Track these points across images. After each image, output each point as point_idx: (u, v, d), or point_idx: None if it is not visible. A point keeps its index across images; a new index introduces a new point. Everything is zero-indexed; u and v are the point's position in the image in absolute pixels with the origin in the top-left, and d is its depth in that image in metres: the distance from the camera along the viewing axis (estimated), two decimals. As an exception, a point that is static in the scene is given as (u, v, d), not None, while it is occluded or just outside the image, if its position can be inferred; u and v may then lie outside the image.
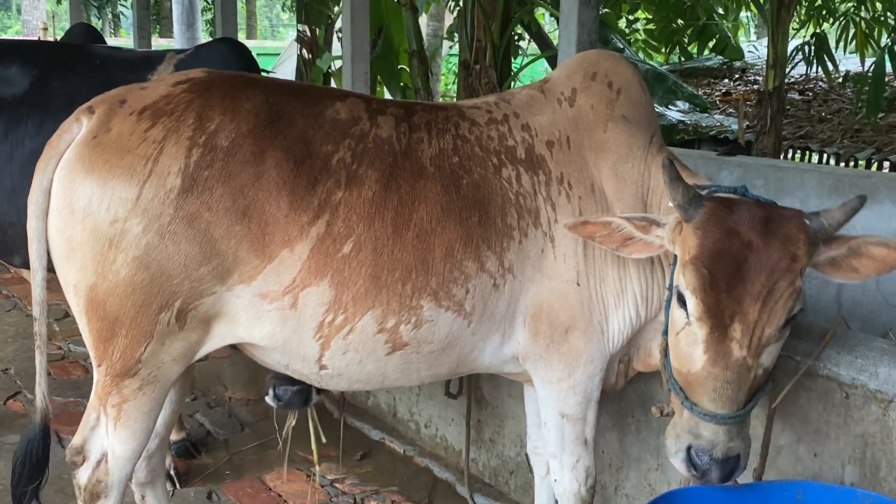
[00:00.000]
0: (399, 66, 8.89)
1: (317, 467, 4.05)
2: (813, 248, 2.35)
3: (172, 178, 2.50)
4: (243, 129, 2.57)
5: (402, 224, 2.62)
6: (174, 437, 4.34)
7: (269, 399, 3.48)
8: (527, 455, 3.73)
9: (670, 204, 2.48)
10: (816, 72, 9.05)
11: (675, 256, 2.50)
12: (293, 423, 3.80)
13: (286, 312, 2.61)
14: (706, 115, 8.14)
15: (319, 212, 2.57)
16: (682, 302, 2.39)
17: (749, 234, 2.33)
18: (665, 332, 2.57)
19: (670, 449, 2.44)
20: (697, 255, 2.34)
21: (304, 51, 8.82)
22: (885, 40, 8.98)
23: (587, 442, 2.90)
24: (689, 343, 2.39)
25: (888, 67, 6.95)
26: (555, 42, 10.49)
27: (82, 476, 2.81)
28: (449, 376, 2.99)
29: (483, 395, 4.06)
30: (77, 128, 2.64)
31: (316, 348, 2.67)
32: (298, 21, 8.75)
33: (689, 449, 2.37)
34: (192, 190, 2.50)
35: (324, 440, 3.90)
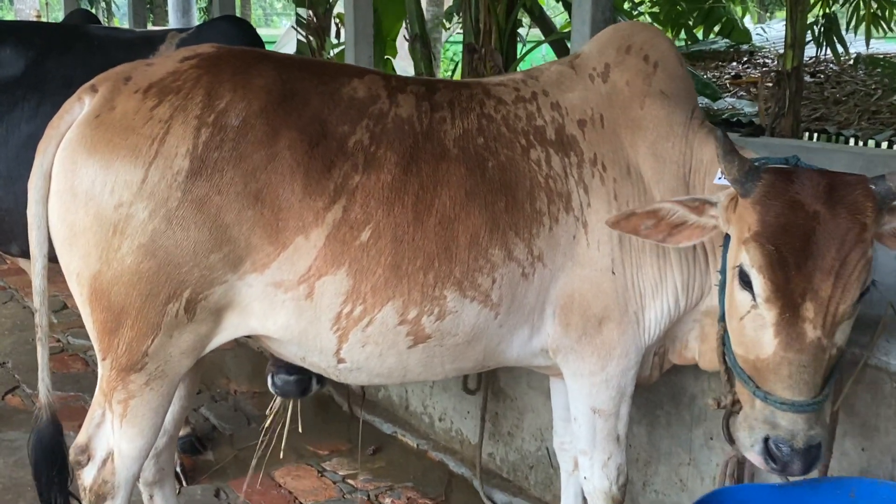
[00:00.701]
0: (385, 57, 8.69)
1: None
2: (881, 214, 2.20)
3: (180, 160, 2.35)
4: (255, 107, 2.41)
5: (423, 210, 2.46)
6: (179, 432, 4.20)
7: (269, 386, 3.42)
8: (547, 449, 3.60)
9: (718, 180, 2.33)
10: (826, 54, 8.90)
11: (727, 237, 2.35)
12: (279, 409, 3.70)
13: (301, 303, 2.46)
14: (718, 98, 7.99)
15: (336, 197, 2.41)
16: (746, 283, 2.23)
17: (813, 204, 2.17)
18: (721, 318, 2.42)
19: (744, 442, 2.27)
20: (760, 231, 2.18)
21: (309, 37, 8.62)
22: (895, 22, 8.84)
23: (619, 438, 2.75)
24: (756, 327, 2.22)
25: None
26: (558, 26, 10.31)
27: (87, 476, 2.67)
28: (474, 370, 2.84)
29: (501, 387, 3.91)
30: (79, 107, 2.50)
31: (333, 341, 2.52)
32: (300, 5, 8.52)
33: (766, 440, 2.20)
34: (201, 172, 2.35)
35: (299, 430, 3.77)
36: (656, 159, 2.64)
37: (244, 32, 4.15)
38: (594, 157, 2.63)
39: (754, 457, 2.25)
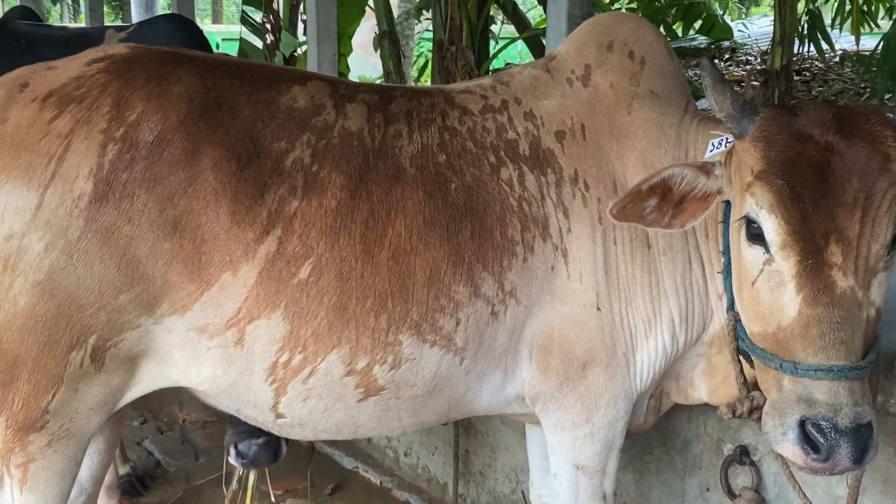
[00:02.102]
0: (339, 53, 8.29)
1: None
2: None
3: (82, 183, 1.97)
4: (172, 119, 2.03)
5: (374, 241, 2.09)
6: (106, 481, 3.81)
7: (231, 458, 3.00)
8: (523, 493, 3.25)
9: (710, 153, 2.04)
10: (809, 51, 8.61)
11: (726, 211, 2.04)
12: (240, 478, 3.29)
13: (230, 350, 2.09)
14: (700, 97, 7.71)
15: (269, 226, 2.04)
16: (755, 236, 1.88)
17: (824, 136, 1.85)
18: (730, 307, 2.07)
19: (774, 434, 1.81)
20: (765, 169, 1.85)
21: (266, 37, 8.22)
22: (882, 18, 8.56)
23: (606, 497, 2.39)
24: (773, 287, 1.86)
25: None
26: (533, 22, 9.97)
27: (-15, 551, 2.27)
28: (438, 422, 2.47)
29: (471, 422, 3.54)
30: None
31: (269, 394, 2.15)
32: (249, 4, 8.12)
33: (802, 424, 1.76)
34: (108, 197, 1.98)
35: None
36: (647, 170, 2.27)
37: (189, 33, 3.77)
38: (575, 175, 2.27)
39: (790, 449, 1.79)
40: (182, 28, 3.82)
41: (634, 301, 2.24)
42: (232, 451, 2.97)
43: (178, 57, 2.21)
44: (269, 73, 2.27)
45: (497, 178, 2.22)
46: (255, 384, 2.14)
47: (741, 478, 2.67)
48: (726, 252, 2.08)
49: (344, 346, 2.09)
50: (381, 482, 3.96)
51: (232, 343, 2.09)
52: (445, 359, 2.18)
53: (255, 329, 2.07)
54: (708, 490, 2.77)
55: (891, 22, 7.73)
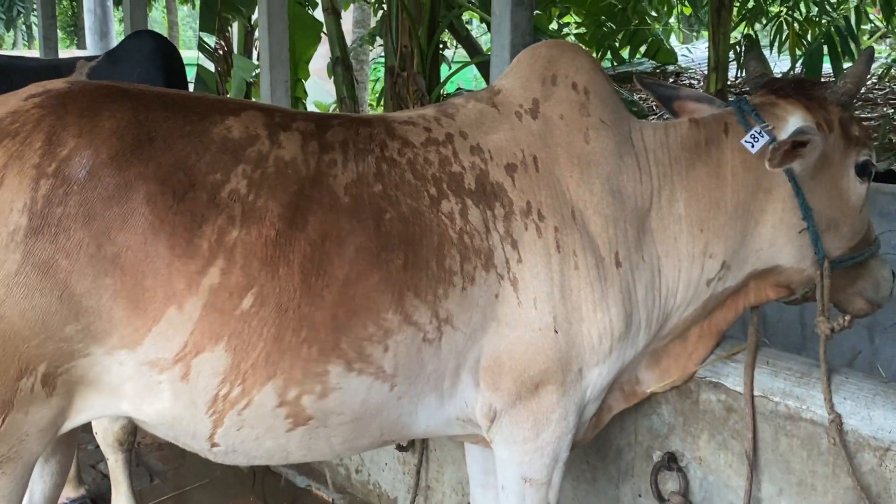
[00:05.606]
0: (296, 78, 8.40)
1: None
2: None
3: (17, 216, 2.01)
4: (103, 155, 2.07)
5: (311, 271, 2.14)
6: (72, 494, 3.87)
7: None
8: (469, 505, 3.34)
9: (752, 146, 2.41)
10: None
11: (798, 188, 2.43)
12: None
13: (177, 385, 2.14)
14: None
15: (211, 258, 2.08)
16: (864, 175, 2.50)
17: None
18: (822, 259, 2.47)
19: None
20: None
21: (216, 64, 8.30)
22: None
23: (551, 507, 2.50)
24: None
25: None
26: (485, 48, 10.14)
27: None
28: (373, 447, 2.53)
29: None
30: None
31: (208, 425, 2.21)
32: (205, 30, 8.21)
33: None
34: (43, 231, 2.01)
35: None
36: (614, 195, 2.40)
37: (162, 50, 3.81)
38: (527, 207, 2.35)
39: None
40: (155, 46, 3.84)
41: (595, 318, 2.35)
42: None
43: (113, 91, 2.24)
44: (203, 105, 2.30)
45: (436, 210, 2.28)
46: (198, 416, 2.19)
47: (670, 483, 2.80)
48: (807, 216, 2.43)
49: (279, 377, 2.14)
50: (333, 500, 4.03)
51: (179, 377, 2.13)
52: (374, 386, 2.24)
53: (200, 363, 2.11)
54: (640, 496, 2.90)
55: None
